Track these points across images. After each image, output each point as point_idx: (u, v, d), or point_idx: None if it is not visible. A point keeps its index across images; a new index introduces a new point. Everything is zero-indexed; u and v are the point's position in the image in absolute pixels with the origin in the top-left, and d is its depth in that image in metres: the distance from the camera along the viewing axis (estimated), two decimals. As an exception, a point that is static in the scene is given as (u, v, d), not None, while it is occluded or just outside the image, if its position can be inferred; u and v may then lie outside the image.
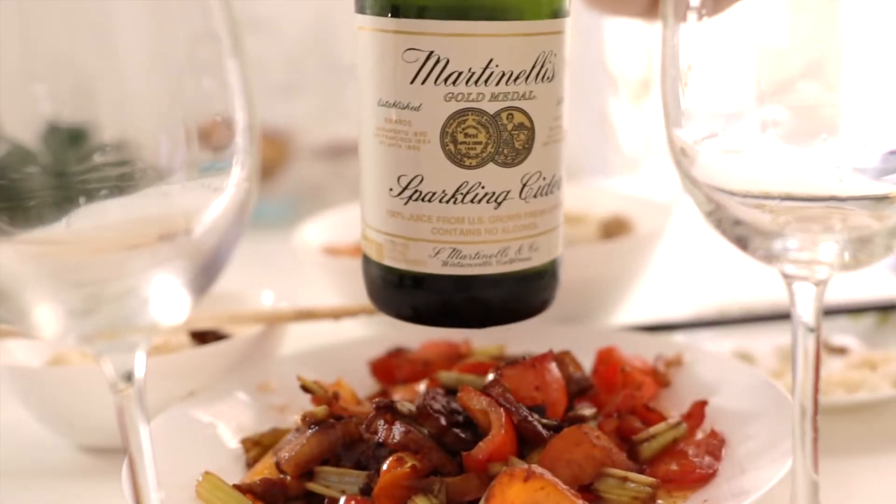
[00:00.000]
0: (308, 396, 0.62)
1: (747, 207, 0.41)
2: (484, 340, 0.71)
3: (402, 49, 0.53)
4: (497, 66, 0.53)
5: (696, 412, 0.60)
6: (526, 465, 0.51)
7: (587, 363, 0.65)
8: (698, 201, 0.42)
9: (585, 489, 0.53)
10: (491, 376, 0.58)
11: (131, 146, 0.36)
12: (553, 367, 0.59)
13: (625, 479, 0.53)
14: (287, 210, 1.31)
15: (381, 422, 0.56)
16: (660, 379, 0.65)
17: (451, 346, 0.70)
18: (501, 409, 0.55)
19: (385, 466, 0.53)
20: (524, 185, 0.55)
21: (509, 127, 0.54)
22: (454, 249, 0.55)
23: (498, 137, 0.54)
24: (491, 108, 0.53)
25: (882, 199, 0.39)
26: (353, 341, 0.74)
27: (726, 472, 0.55)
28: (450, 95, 0.53)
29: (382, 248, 0.57)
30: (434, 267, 0.56)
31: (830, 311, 0.78)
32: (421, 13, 0.53)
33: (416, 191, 0.55)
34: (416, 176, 0.55)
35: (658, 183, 1.18)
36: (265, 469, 0.58)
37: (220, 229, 0.39)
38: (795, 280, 0.42)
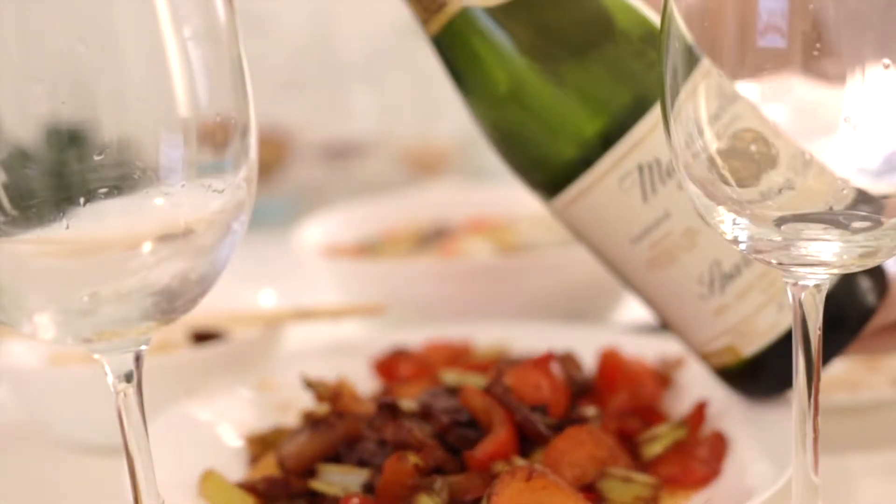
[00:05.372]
0: (310, 394, 0.62)
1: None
2: (485, 341, 0.71)
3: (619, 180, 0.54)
4: None
5: (698, 413, 0.60)
6: (528, 465, 0.51)
7: (589, 363, 0.65)
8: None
9: (587, 489, 0.53)
10: (493, 376, 0.58)
11: (131, 146, 0.36)
12: (555, 367, 0.59)
13: (627, 479, 0.53)
14: (287, 210, 1.31)
15: (384, 420, 0.56)
16: (662, 379, 0.65)
17: (452, 347, 0.70)
18: (503, 409, 0.55)
19: (387, 464, 0.53)
20: None
21: None
22: (778, 303, 0.55)
23: None
24: None
25: (882, 198, 0.39)
26: (354, 341, 0.74)
27: (728, 472, 0.55)
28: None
29: (733, 347, 0.56)
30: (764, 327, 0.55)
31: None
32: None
33: (720, 275, 0.55)
34: (713, 262, 0.54)
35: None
36: (267, 467, 0.58)
37: (220, 229, 0.39)
38: (795, 280, 0.42)
